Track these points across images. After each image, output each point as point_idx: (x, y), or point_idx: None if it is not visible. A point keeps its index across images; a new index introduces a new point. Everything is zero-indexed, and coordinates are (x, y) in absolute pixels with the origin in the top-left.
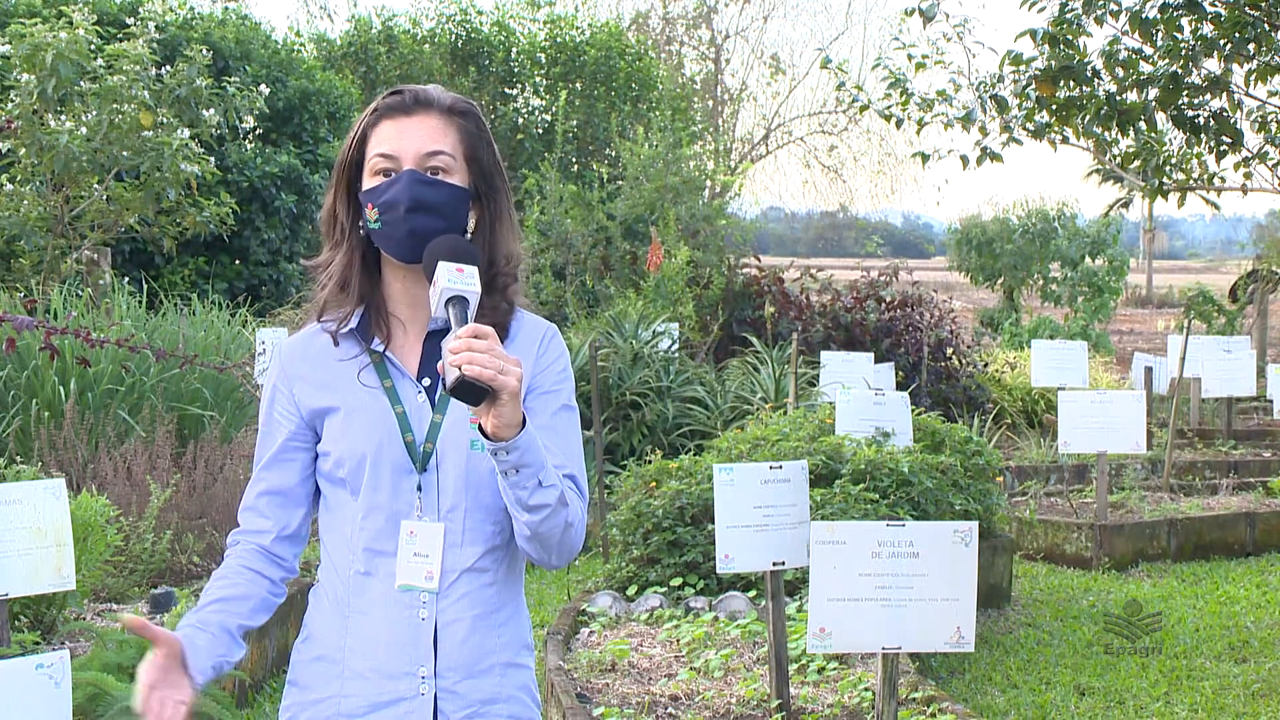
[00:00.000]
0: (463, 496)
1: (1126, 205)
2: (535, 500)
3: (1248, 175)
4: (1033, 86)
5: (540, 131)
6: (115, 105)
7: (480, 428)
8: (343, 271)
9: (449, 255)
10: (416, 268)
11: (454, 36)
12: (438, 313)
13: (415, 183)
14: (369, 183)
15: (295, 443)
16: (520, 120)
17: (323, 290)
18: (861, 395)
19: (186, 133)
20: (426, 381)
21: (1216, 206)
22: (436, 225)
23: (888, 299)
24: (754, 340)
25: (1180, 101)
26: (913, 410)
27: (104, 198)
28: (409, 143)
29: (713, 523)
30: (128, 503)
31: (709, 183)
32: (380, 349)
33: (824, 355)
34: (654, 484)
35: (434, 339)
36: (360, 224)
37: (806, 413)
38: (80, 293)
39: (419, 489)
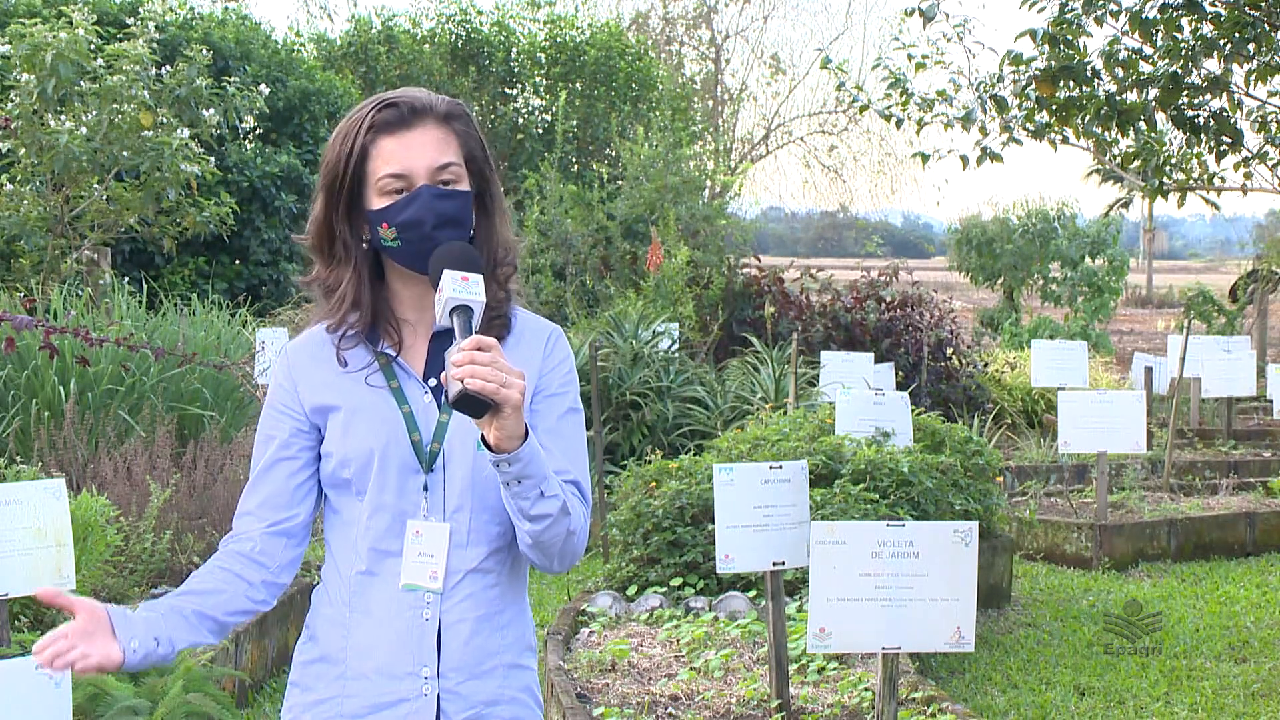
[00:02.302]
0: (469, 497)
1: (1126, 205)
2: (537, 510)
3: (1248, 175)
4: (1033, 86)
5: (540, 131)
6: (115, 105)
7: (483, 437)
8: (355, 292)
9: (454, 263)
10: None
11: (454, 36)
12: (442, 321)
13: (435, 198)
14: (379, 202)
15: (298, 441)
16: (520, 120)
17: (339, 310)
18: (861, 395)
19: (186, 133)
20: (433, 382)
21: (1216, 206)
22: (458, 235)
23: (888, 299)
24: (754, 340)
25: (1180, 101)
26: (913, 410)
27: (104, 198)
28: (418, 159)
29: (713, 523)
30: (128, 503)
31: (709, 183)
32: (392, 354)
33: (824, 355)
34: (654, 484)
35: (440, 339)
36: (365, 241)
37: (806, 413)
38: (80, 293)
39: (425, 489)
